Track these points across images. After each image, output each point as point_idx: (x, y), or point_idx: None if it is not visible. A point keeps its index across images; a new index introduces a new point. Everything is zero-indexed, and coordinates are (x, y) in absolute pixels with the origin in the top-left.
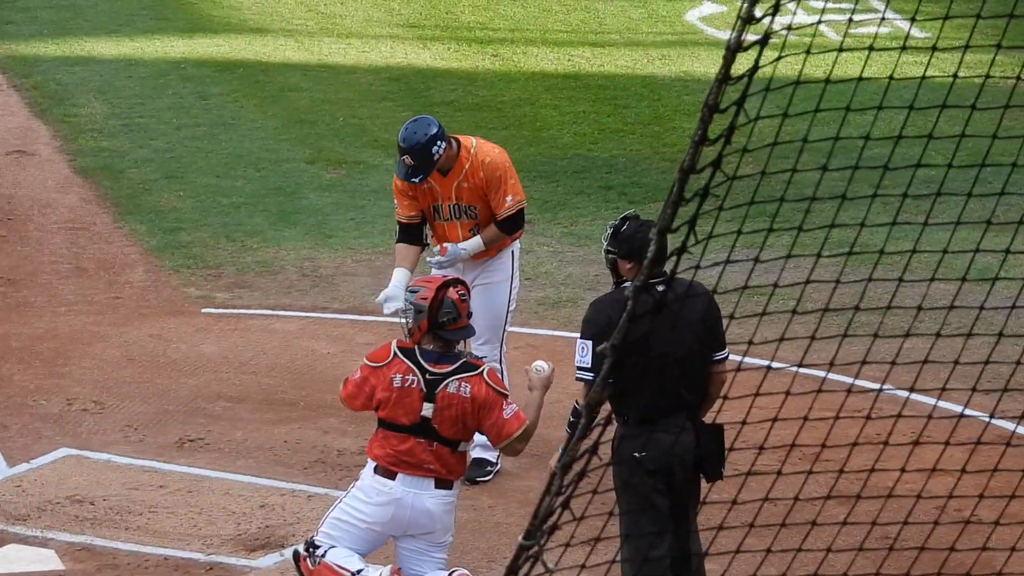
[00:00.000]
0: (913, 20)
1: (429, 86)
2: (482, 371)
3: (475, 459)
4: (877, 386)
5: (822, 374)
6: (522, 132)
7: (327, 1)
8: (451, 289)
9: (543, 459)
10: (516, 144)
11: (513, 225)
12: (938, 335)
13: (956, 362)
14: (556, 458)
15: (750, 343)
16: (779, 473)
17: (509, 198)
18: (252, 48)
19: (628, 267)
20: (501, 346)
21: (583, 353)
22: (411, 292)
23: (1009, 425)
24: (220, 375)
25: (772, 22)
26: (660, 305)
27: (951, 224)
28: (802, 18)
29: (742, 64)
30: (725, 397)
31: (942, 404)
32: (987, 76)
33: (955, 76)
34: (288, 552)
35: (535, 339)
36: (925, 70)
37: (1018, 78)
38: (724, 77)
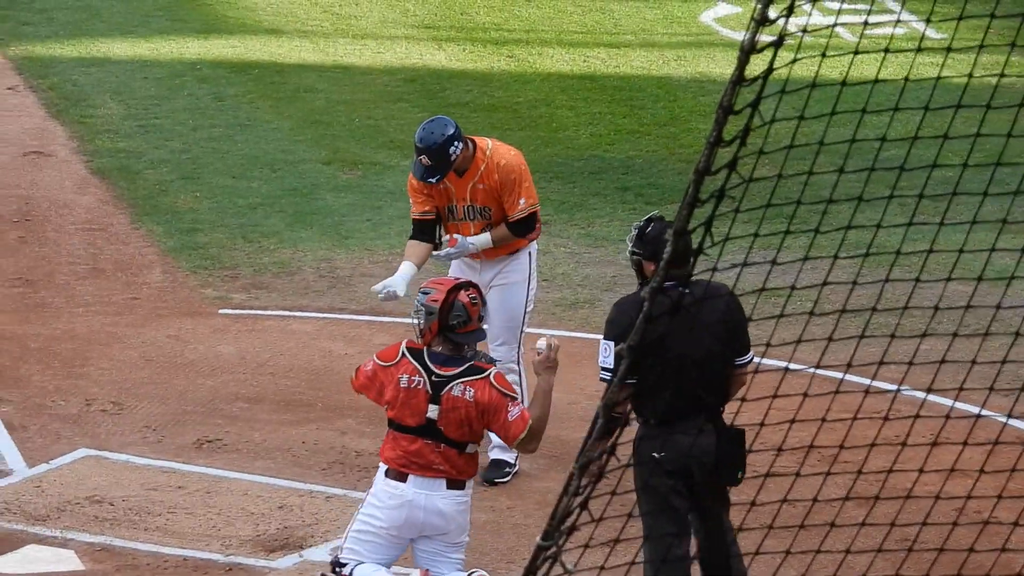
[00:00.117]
0: (928, 21)
1: (444, 87)
2: (488, 374)
3: (493, 460)
4: (894, 387)
5: (839, 375)
6: (538, 133)
7: (342, 2)
8: (462, 292)
9: (561, 460)
10: (532, 145)
11: (524, 228)
12: (955, 335)
13: (973, 362)
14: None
15: (768, 345)
16: (798, 474)
17: (522, 201)
18: (268, 49)
19: (653, 268)
20: (519, 347)
21: (606, 354)
22: (423, 293)
23: None
24: (237, 376)
25: (786, 24)
26: (677, 307)
27: (967, 223)
28: (817, 19)
29: (757, 66)
30: (743, 399)
31: (959, 405)
32: (1001, 75)
33: (970, 75)
34: (307, 553)
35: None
36: (940, 71)
37: None
38: (738, 79)
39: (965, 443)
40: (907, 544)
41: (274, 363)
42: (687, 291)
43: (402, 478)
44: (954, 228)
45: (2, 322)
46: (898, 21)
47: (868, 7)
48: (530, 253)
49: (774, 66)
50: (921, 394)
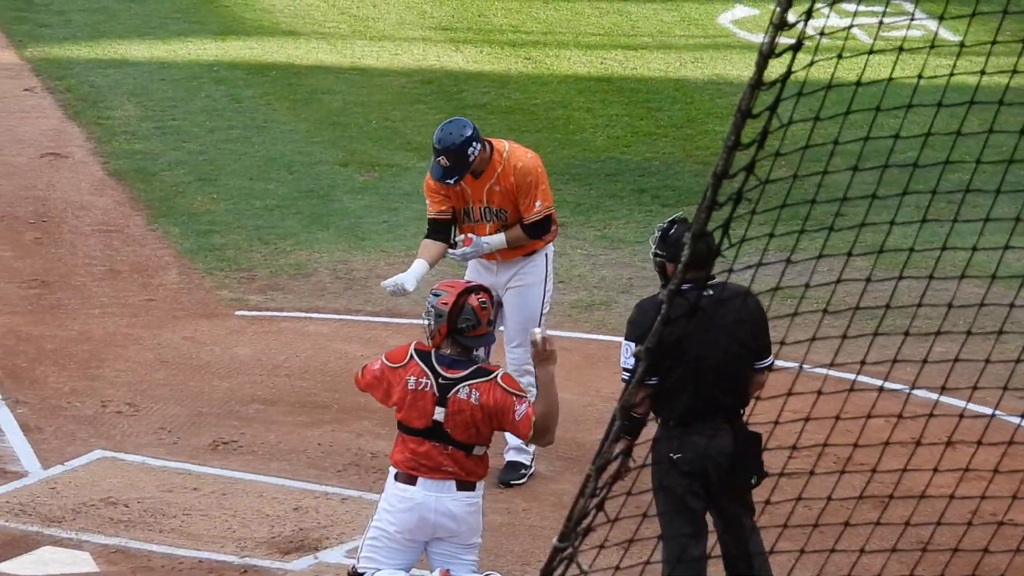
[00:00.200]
0: (941, 19)
1: (461, 89)
2: (495, 376)
3: (509, 462)
4: (907, 387)
5: (853, 376)
6: (555, 135)
7: (359, 4)
8: (472, 296)
9: (578, 462)
10: (549, 147)
11: (538, 230)
12: (968, 333)
13: (987, 360)
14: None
15: (782, 343)
16: (811, 473)
17: (538, 203)
18: (285, 51)
19: (674, 268)
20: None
21: (627, 355)
22: (433, 295)
23: None
24: (253, 377)
25: (805, 27)
26: (694, 308)
27: (980, 221)
28: (834, 21)
29: (774, 69)
30: (756, 398)
31: (972, 406)
32: (1013, 71)
33: (982, 73)
34: (322, 555)
35: (569, 342)
36: (952, 69)
37: None
38: (757, 82)
39: (979, 442)
40: (921, 544)
41: (290, 365)
42: (709, 293)
43: (412, 481)
44: (968, 226)
45: (18, 323)
46: (912, 20)
47: (883, 8)
48: (546, 255)
49: (791, 69)
50: (934, 395)
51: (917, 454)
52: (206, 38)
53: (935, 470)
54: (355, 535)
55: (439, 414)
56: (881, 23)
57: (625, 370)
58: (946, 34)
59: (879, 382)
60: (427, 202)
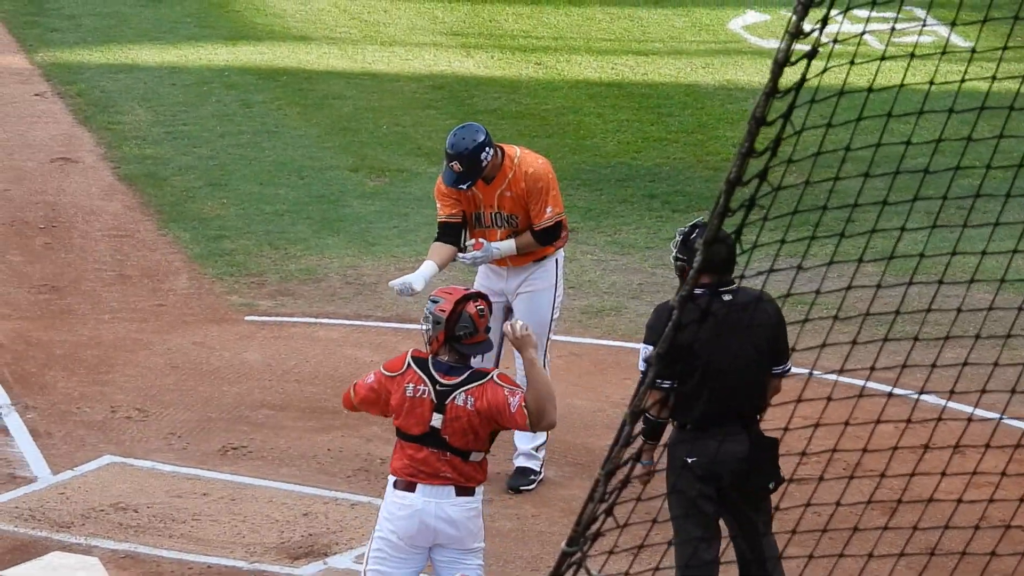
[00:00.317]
0: (953, 24)
1: (472, 94)
2: (491, 376)
3: (518, 468)
4: (915, 393)
5: (862, 382)
6: (565, 140)
7: (371, 9)
8: (470, 303)
9: (587, 468)
10: (559, 152)
11: (548, 237)
12: (977, 337)
13: (995, 363)
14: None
15: (792, 349)
16: (820, 479)
17: (549, 210)
18: (296, 56)
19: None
20: (544, 355)
21: (646, 356)
22: (432, 302)
23: None
24: (263, 383)
25: (820, 35)
26: (705, 314)
27: (989, 226)
28: (847, 27)
29: (788, 76)
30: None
31: (979, 411)
32: None
33: (993, 78)
34: (331, 560)
35: (579, 347)
36: (963, 75)
37: None
38: (772, 91)
39: (987, 446)
40: (929, 549)
41: (300, 370)
42: (728, 297)
43: (411, 488)
44: (977, 232)
45: (28, 328)
46: (923, 27)
47: (896, 14)
48: (557, 260)
49: (806, 77)
50: (943, 400)
51: (925, 459)
52: (217, 43)
53: (943, 474)
54: (364, 540)
55: (436, 420)
56: (893, 29)
57: (642, 373)
58: (957, 40)
59: (887, 388)
60: (438, 206)
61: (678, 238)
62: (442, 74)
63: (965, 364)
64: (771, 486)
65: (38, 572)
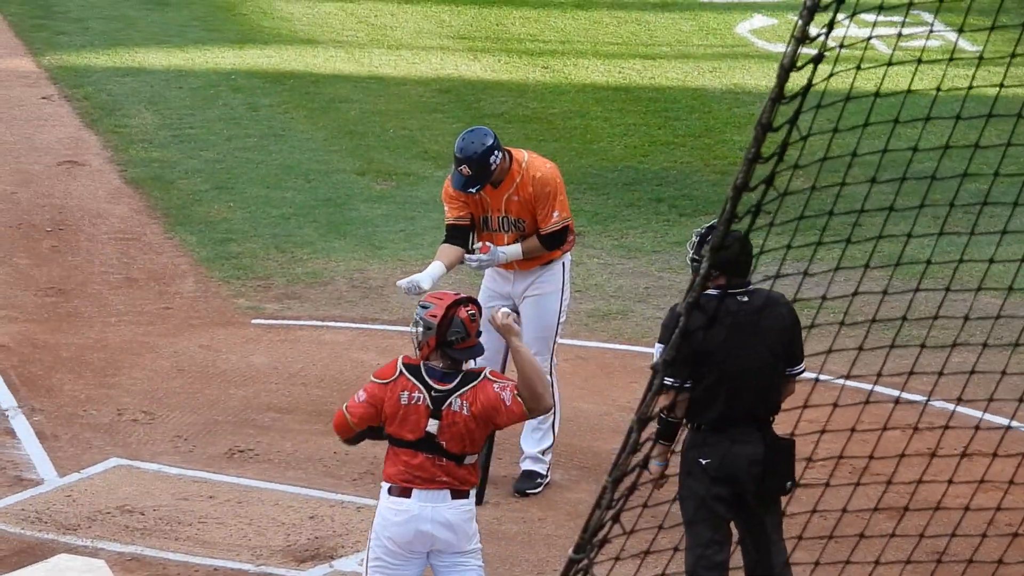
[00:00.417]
0: (961, 31)
1: (479, 98)
2: (483, 376)
3: (525, 471)
4: (924, 398)
5: (869, 386)
6: (572, 144)
7: (377, 13)
8: (461, 308)
9: (593, 471)
10: (566, 156)
11: (555, 241)
12: (984, 345)
13: (1003, 372)
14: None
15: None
16: (827, 485)
17: (556, 214)
18: (302, 59)
19: (713, 276)
20: (551, 358)
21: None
22: (422, 308)
23: None
24: (269, 386)
25: (826, 40)
26: (713, 319)
27: (997, 234)
28: (854, 32)
29: (795, 81)
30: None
31: (988, 417)
32: None
33: (1001, 85)
34: (337, 563)
35: (585, 351)
36: (971, 80)
37: None
38: (777, 96)
39: (995, 454)
40: (936, 555)
41: (306, 373)
42: (745, 299)
43: (407, 493)
44: (985, 238)
45: (34, 331)
46: (931, 32)
47: (903, 19)
48: (563, 264)
49: (812, 82)
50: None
51: (933, 465)
52: (224, 46)
53: (950, 481)
54: None
55: (432, 426)
56: (900, 35)
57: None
58: (965, 44)
59: (896, 392)
60: (445, 208)
61: (695, 239)
62: (449, 78)
63: (972, 372)
64: (788, 486)
65: (44, 575)
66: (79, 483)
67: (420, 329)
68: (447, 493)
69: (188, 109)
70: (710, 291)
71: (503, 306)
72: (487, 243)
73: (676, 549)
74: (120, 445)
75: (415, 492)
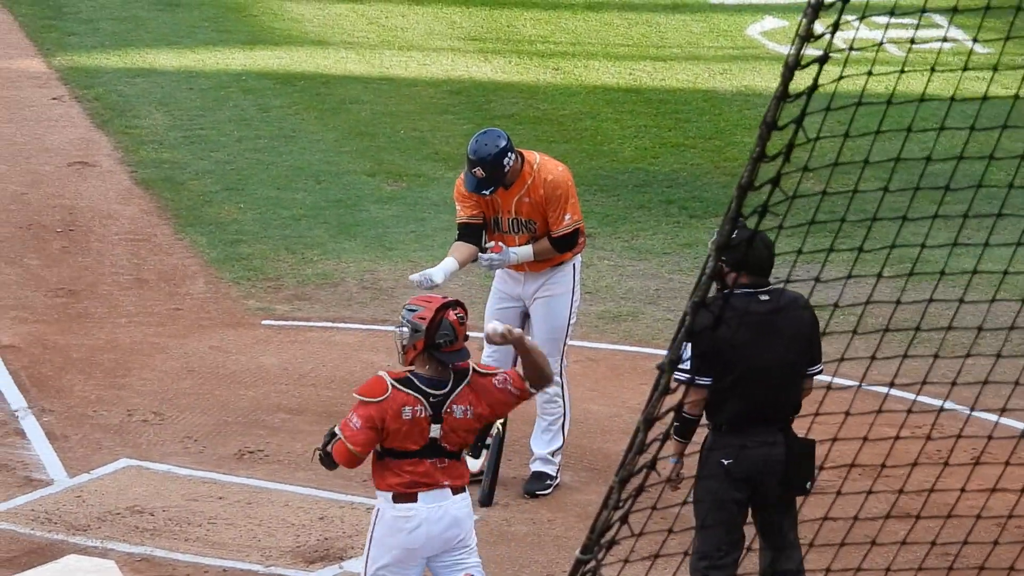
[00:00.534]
0: (975, 41)
1: (490, 99)
2: (471, 372)
3: (535, 472)
4: (938, 404)
5: (883, 390)
6: (583, 146)
7: (389, 14)
8: (450, 311)
9: (603, 473)
10: (577, 158)
11: (566, 244)
12: (999, 356)
13: (1016, 382)
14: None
15: None
16: (839, 493)
17: (567, 217)
18: (313, 60)
19: (733, 275)
20: (561, 360)
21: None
22: (409, 311)
23: None
24: (279, 387)
25: (832, 39)
26: (718, 321)
27: (1013, 245)
28: (864, 34)
29: (803, 81)
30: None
31: (1003, 422)
32: None
33: (1016, 96)
34: (347, 564)
35: (595, 353)
36: (987, 87)
37: None
38: (782, 94)
39: (1007, 462)
40: (948, 561)
41: (316, 374)
42: (767, 299)
43: (413, 498)
44: (1000, 246)
45: (45, 332)
46: (945, 39)
47: (916, 21)
48: (574, 266)
49: (819, 82)
50: (965, 411)
51: (945, 472)
52: (234, 47)
53: (963, 490)
54: None
55: (435, 431)
56: (913, 40)
57: (679, 369)
58: (978, 47)
59: (911, 395)
60: (457, 207)
61: (715, 238)
62: (460, 79)
63: (985, 382)
64: (808, 486)
65: (54, 575)
66: (89, 484)
67: (407, 331)
68: (449, 491)
69: (199, 110)
70: (736, 291)
71: (490, 324)
72: (499, 243)
73: (686, 553)
74: (130, 446)
75: (421, 495)
